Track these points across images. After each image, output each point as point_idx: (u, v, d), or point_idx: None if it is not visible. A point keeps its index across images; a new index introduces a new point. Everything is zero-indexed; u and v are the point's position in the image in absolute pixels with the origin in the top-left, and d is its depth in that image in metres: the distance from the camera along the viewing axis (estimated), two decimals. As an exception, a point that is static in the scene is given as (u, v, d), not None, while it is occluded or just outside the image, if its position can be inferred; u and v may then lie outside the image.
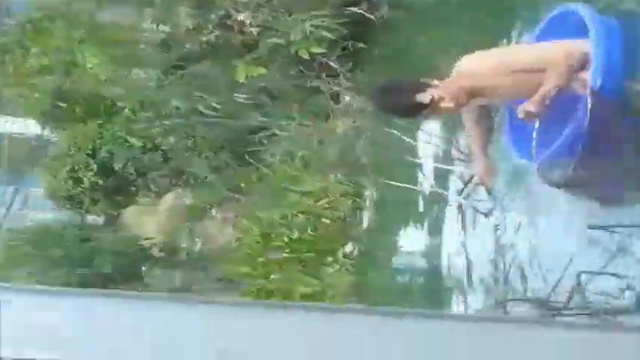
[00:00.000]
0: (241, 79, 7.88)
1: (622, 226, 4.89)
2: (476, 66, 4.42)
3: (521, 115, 4.12)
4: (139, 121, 9.45)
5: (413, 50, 6.25)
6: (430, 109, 4.34)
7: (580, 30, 4.46)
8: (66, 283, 9.58)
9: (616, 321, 4.88)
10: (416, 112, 4.35)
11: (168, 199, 9.98)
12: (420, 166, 6.66)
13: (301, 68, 7.60)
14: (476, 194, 6.18)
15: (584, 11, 4.39)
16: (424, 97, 4.28)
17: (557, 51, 4.26)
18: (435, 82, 4.38)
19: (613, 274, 4.91)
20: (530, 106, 4.10)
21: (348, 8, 7.15)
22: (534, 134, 4.66)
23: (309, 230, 7.82)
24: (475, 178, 5.01)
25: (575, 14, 4.51)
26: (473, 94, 4.47)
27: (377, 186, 7.17)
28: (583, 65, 4.38)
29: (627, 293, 4.85)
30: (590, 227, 5.02)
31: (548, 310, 5.37)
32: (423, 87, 4.34)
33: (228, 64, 8.14)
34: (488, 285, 6.06)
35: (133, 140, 9.48)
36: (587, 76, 4.28)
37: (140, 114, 9.53)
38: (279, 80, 7.82)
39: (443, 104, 4.33)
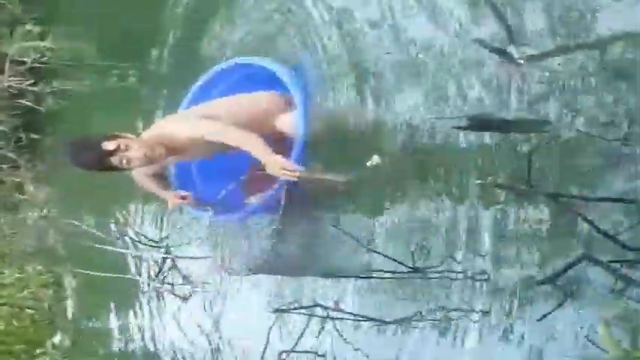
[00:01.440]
0: None
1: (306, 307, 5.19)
2: (174, 129, 4.53)
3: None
4: None
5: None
6: (118, 157, 4.41)
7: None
8: None
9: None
10: (104, 160, 4.38)
11: None
12: (115, 253, 6.68)
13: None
14: (172, 279, 6.33)
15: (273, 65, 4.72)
16: (110, 145, 4.36)
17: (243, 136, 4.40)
18: (128, 135, 4.46)
19: (309, 351, 5.12)
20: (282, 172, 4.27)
21: (16, 100, 7.01)
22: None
23: (14, 322, 7.68)
24: (170, 206, 5.12)
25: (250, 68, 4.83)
26: (170, 150, 4.59)
27: (75, 275, 7.13)
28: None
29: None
30: (276, 312, 5.32)
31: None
32: (113, 137, 4.39)
33: None
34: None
35: None
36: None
37: None
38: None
39: (131, 153, 4.41)
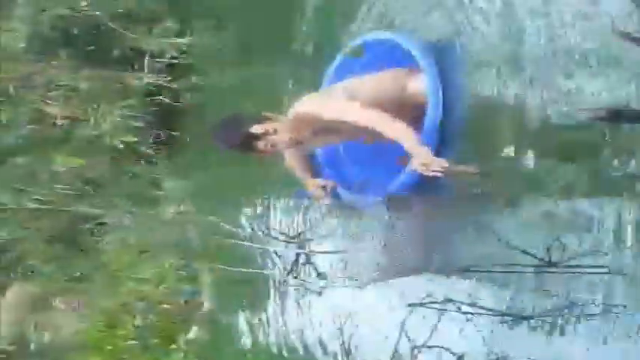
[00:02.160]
0: (61, 169, 7.76)
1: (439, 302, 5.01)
2: (321, 110, 4.45)
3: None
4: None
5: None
6: (264, 141, 4.38)
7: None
8: None
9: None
10: (250, 143, 4.40)
11: (12, 292, 9.73)
12: (249, 248, 6.66)
13: (118, 156, 7.51)
14: (305, 274, 6.28)
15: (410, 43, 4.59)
16: (257, 129, 4.33)
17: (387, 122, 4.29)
18: (278, 116, 4.42)
19: (441, 347, 4.93)
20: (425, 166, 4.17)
21: (154, 97, 7.11)
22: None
23: (151, 316, 7.78)
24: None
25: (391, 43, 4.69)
26: (316, 132, 4.54)
27: (210, 270, 7.14)
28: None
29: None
30: (410, 305, 5.14)
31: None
32: (262, 119, 4.37)
33: (46, 156, 7.99)
34: None
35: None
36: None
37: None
38: (98, 170, 7.71)
39: (278, 137, 4.38)
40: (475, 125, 4.71)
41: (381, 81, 4.63)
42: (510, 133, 4.56)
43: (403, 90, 4.63)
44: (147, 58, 6.91)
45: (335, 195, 5.14)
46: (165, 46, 6.77)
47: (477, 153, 4.65)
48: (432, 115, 4.42)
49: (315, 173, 5.13)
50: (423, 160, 4.17)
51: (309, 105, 4.53)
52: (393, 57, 4.77)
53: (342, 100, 4.44)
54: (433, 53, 4.62)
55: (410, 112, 4.56)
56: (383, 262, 5.54)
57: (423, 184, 4.47)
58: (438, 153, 4.35)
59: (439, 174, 4.16)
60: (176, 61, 6.90)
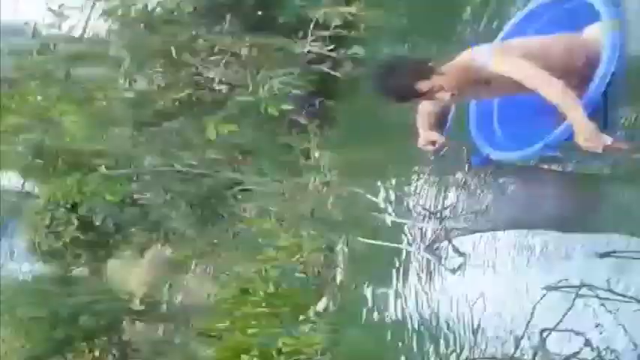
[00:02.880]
0: (212, 136, 7.92)
1: (575, 286, 4.92)
2: (488, 63, 4.39)
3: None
4: (115, 177, 9.52)
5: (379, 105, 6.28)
6: (426, 96, 4.39)
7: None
8: (49, 339, 9.63)
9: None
10: (411, 97, 4.41)
11: (150, 252, 10.03)
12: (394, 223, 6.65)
13: (271, 125, 7.65)
14: (443, 251, 6.24)
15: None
16: (424, 86, 4.33)
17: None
18: (442, 68, 4.40)
19: (571, 330, 4.88)
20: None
21: (314, 66, 7.21)
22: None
23: (284, 285, 7.86)
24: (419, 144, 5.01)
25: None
26: (475, 85, 4.49)
27: (349, 242, 7.18)
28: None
29: (585, 350, 4.82)
30: (546, 288, 5.07)
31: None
32: (427, 72, 4.36)
33: (200, 121, 8.20)
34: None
35: (110, 197, 9.55)
36: None
37: (116, 170, 9.58)
38: (249, 137, 7.87)
39: (440, 94, 4.38)
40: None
41: (552, 44, 4.54)
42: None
43: (571, 56, 4.53)
44: (312, 26, 6.99)
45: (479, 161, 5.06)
46: (332, 15, 6.86)
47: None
48: (604, 70, 4.21)
49: (436, 128, 5.05)
50: (588, 135, 4.09)
51: (477, 56, 4.50)
52: (567, 21, 4.68)
53: (513, 57, 4.39)
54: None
55: (575, 77, 4.42)
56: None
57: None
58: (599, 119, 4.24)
59: (599, 150, 4.08)
60: (341, 31, 6.95)
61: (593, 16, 4.43)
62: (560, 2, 4.76)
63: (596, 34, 4.40)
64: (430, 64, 4.44)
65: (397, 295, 6.61)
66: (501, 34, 4.96)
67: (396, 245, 6.55)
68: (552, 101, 4.23)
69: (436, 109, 4.95)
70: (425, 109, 4.94)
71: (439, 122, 4.99)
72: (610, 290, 4.75)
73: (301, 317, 7.63)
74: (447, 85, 4.40)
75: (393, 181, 6.75)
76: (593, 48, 4.37)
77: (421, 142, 4.96)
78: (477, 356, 5.71)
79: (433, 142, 4.92)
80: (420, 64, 4.45)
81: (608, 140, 4.08)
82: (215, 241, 8.57)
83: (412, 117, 4.96)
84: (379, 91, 4.51)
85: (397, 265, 6.60)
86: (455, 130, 5.03)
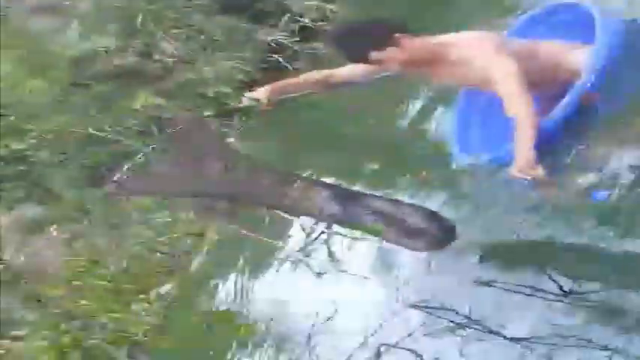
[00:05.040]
0: (137, 106, 7.73)
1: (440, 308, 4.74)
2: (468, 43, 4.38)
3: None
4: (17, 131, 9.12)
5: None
6: (376, 63, 4.41)
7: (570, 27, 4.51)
8: None
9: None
10: (361, 61, 4.52)
11: (15, 212, 9.42)
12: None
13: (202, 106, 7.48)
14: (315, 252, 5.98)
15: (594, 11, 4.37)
16: (376, 55, 4.29)
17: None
18: (403, 41, 4.35)
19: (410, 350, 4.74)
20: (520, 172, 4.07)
21: (271, 55, 7.16)
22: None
23: (139, 263, 7.42)
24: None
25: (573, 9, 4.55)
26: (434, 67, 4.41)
27: (221, 230, 6.86)
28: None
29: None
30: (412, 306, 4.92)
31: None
32: (385, 42, 4.32)
33: (133, 89, 8.01)
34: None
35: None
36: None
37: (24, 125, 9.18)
38: (175, 112, 7.66)
39: (391, 66, 4.29)
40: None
41: (541, 49, 4.55)
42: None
43: (557, 65, 4.51)
44: (286, 17, 7.01)
45: None
46: (310, 8, 6.89)
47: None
48: (576, 91, 4.22)
49: None
50: (523, 165, 4.08)
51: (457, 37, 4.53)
52: (567, 28, 4.70)
53: (505, 53, 4.36)
54: (619, 32, 4.43)
55: (550, 89, 4.44)
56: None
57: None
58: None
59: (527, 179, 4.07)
60: (311, 24, 6.97)
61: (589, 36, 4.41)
62: (565, 9, 4.78)
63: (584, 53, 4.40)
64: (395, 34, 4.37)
65: (245, 289, 6.31)
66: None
67: (270, 241, 6.29)
68: (510, 114, 4.14)
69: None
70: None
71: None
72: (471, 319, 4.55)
73: (141, 296, 7.16)
74: (400, 56, 4.39)
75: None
76: (577, 65, 4.36)
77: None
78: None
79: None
80: (381, 31, 4.39)
81: (540, 173, 4.02)
82: (88, 206, 8.11)
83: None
84: (334, 43, 4.61)
85: (265, 260, 6.31)
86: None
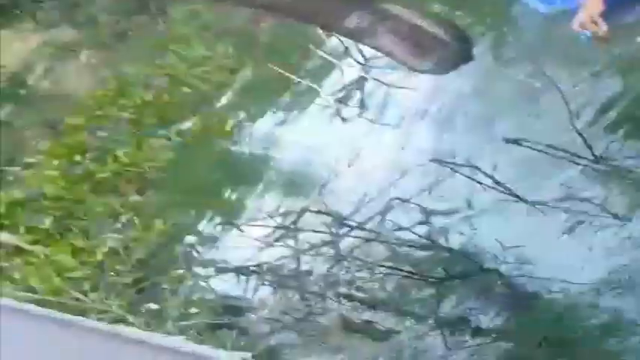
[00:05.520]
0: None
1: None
2: None
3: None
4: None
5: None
6: None
7: None
8: None
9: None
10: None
11: (48, 33, 8.71)
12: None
13: None
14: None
15: None
16: None
17: None
18: None
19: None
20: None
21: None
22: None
23: (165, 96, 6.70)
24: None
25: None
26: None
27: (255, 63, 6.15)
28: None
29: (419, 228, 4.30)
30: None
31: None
32: None
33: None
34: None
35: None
36: None
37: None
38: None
39: None
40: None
41: None
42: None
43: None
44: None
45: None
46: None
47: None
48: None
49: None
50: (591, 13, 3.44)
51: None
52: None
53: None
54: None
55: None
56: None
57: None
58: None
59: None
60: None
61: None
62: None
63: None
64: None
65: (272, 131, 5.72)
66: None
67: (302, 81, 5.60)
68: None
69: None
70: None
71: None
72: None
73: (160, 132, 6.46)
74: None
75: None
76: None
77: None
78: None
79: None
80: None
81: (603, 29, 3.46)
82: (129, 31, 7.35)
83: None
84: None
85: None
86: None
